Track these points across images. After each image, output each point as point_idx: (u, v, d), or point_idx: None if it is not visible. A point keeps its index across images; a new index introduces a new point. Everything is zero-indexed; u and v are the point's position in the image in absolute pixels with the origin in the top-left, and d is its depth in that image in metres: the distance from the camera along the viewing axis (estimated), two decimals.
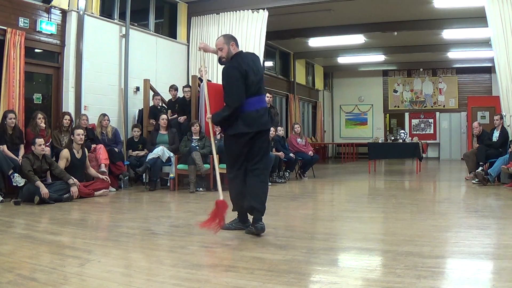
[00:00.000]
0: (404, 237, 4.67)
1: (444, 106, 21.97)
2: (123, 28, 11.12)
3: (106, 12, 10.93)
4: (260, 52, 12.02)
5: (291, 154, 11.24)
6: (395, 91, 22.86)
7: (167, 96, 11.14)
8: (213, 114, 4.98)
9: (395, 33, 15.12)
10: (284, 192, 9.13)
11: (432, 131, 22.11)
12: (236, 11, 12.40)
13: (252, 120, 4.80)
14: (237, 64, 4.83)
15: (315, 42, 17.36)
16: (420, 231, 4.99)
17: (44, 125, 8.50)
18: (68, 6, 9.77)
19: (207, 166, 9.14)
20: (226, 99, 4.86)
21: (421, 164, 13.98)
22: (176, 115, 10.59)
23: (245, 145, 4.85)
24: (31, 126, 8.46)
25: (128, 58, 11.12)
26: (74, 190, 7.63)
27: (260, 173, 4.89)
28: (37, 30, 9.24)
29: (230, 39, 4.97)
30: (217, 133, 8.46)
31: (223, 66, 5.00)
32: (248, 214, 5.02)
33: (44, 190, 7.12)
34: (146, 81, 10.92)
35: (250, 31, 12.14)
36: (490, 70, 19.53)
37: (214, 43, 5.08)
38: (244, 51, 5.11)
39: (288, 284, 3.18)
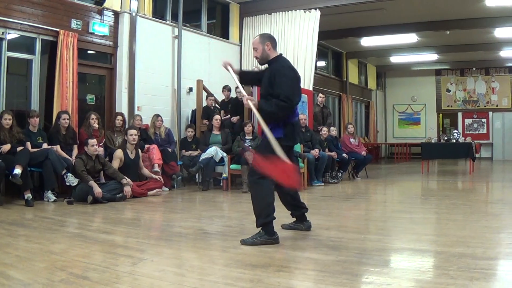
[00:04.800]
0: (457, 238, 4.55)
1: (497, 106, 21.44)
2: (176, 29, 11.19)
3: (158, 13, 11.04)
4: (312, 52, 11.93)
5: (344, 154, 11.08)
6: (448, 91, 22.44)
7: (220, 97, 11.12)
8: (260, 101, 4.39)
9: (448, 32, 14.90)
10: (337, 192, 9.02)
11: (485, 131, 21.62)
12: (288, 11, 12.34)
13: (299, 130, 4.56)
14: (294, 70, 4.52)
15: (367, 41, 17.18)
16: (473, 232, 4.87)
17: (97, 126, 8.61)
18: (120, 8, 9.90)
19: None
20: (282, 92, 4.26)
21: (474, 165, 13.61)
22: (229, 116, 10.55)
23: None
24: (84, 126, 8.59)
25: (181, 59, 11.19)
26: (127, 189, 7.66)
27: None
28: (89, 31, 9.40)
29: (266, 39, 4.55)
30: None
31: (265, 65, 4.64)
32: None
33: (97, 190, 7.16)
34: (199, 82, 10.95)
35: (303, 31, 12.03)
36: None
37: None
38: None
39: (340, 285, 3.16)
